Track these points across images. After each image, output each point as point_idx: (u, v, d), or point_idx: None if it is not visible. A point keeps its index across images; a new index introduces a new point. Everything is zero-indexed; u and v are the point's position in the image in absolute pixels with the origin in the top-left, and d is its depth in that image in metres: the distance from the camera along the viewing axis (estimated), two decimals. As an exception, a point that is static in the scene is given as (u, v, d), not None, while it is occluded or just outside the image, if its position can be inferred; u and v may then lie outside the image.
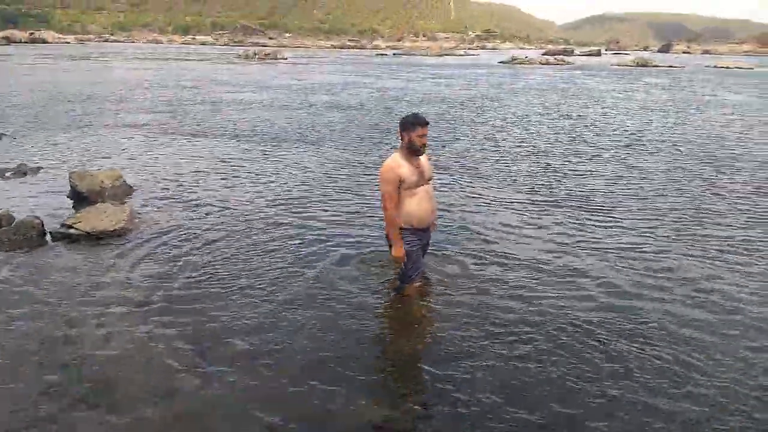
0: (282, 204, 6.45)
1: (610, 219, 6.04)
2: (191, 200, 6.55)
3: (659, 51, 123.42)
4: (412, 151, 3.66)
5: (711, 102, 18.76)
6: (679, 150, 10.00)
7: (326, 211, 6.22)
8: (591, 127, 12.58)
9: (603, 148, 10.08)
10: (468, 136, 11.26)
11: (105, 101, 16.27)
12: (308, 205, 6.45)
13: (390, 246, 3.83)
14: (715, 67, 47.73)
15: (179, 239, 5.21)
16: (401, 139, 3.70)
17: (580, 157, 9.30)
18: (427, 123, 3.66)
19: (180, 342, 3.46)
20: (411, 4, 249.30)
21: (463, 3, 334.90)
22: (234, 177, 7.78)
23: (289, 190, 7.10)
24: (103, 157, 8.90)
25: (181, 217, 5.87)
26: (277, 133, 11.47)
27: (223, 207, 6.29)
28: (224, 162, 8.76)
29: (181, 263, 4.64)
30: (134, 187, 6.98)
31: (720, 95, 21.39)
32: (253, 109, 15.32)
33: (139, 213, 5.94)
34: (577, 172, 8.22)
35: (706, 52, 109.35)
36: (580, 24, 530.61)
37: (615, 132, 11.97)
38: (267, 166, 8.51)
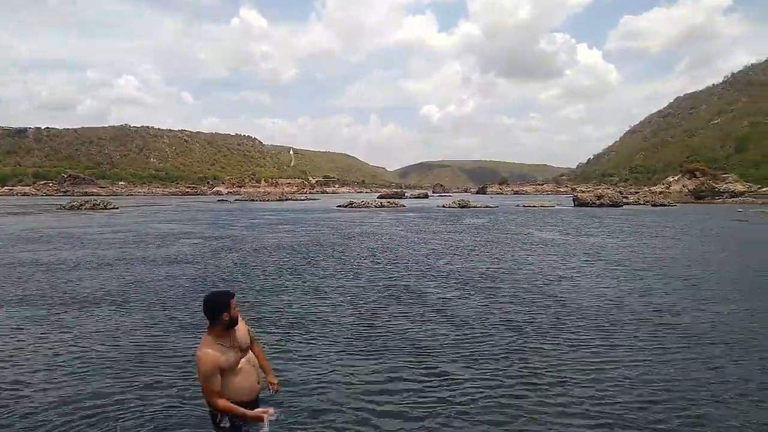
0: (76, 395, 5.25)
1: (435, 363, 5.92)
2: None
3: (477, 192, 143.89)
4: (230, 326, 3.48)
5: (522, 240, 21.12)
6: (503, 291, 10.57)
7: (138, 397, 5.23)
8: (420, 271, 12.98)
9: (428, 293, 10.24)
10: (297, 287, 10.76)
11: None
12: (113, 389, 5.45)
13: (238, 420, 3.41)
14: (524, 206, 55.22)
15: None
16: (214, 321, 3.43)
17: (407, 304, 9.27)
18: (234, 294, 3.60)
19: None
20: (250, 155, 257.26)
21: (302, 152, 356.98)
22: (23, 358, 6.38)
23: (86, 370, 5.95)
24: None
25: None
26: (81, 296, 9.87)
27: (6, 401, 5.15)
28: (11, 335, 7.33)
29: None
30: None
31: (529, 233, 24.24)
32: (60, 269, 13.25)
33: None
34: (403, 323, 8.00)
35: (516, 192, 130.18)
36: (407, 170, 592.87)
37: (441, 275, 12.44)
38: (63, 337, 7.25)
